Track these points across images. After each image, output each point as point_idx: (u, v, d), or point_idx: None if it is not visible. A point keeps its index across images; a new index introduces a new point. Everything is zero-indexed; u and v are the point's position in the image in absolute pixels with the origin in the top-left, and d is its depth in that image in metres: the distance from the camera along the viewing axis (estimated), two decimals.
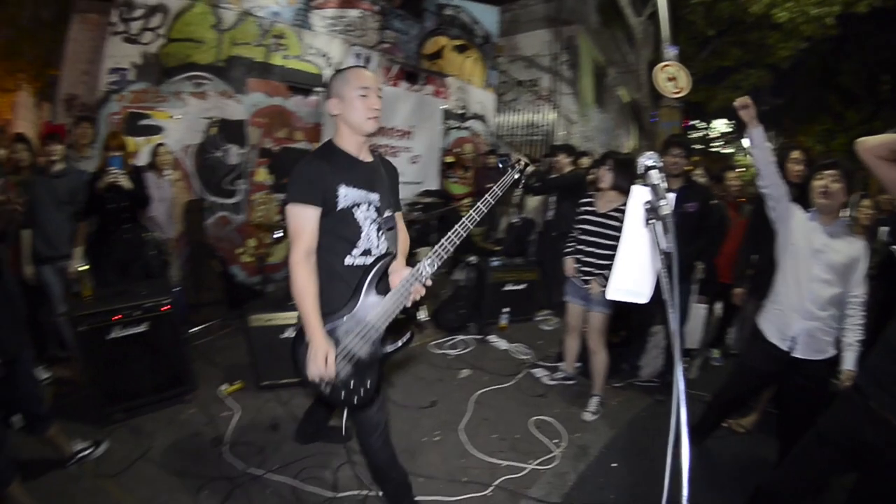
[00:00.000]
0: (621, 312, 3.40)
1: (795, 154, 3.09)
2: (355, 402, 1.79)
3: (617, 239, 2.53)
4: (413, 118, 6.70)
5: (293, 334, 1.81)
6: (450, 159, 7.16)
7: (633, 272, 1.34)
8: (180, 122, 4.67)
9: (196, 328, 4.33)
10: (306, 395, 3.12)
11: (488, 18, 7.98)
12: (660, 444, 2.57)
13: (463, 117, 7.73)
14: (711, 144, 22.77)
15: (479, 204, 1.83)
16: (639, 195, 1.22)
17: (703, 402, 3.14)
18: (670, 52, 6.00)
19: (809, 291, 2.21)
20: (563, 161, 4.68)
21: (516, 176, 2.02)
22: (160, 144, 4.09)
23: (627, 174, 2.96)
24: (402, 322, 1.88)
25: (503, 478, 2.55)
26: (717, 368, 4.11)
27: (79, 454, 2.50)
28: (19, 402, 2.16)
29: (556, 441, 2.89)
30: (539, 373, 3.78)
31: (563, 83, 10.39)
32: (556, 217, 4.69)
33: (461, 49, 7.67)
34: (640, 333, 3.78)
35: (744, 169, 5.24)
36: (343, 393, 1.76)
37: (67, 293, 3.31)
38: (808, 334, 2.22)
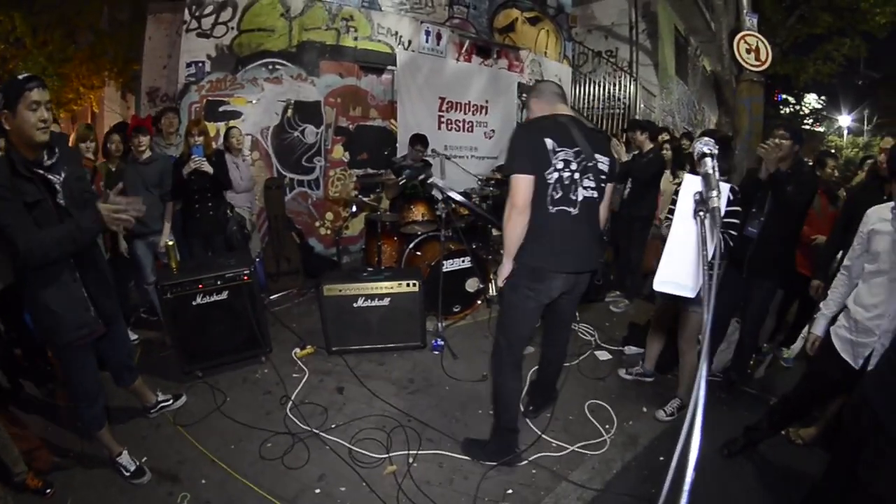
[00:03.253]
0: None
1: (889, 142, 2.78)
2: None
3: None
4: (487, 92, 6.70)
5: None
6: None
7: (680, 264, 1.26)
8: (257, 106, 5.01)
9: (275, 295, 4.75)
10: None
11: None
12: (714, 443, 2.69)
13: None
14: (803, 122, 20.58)
15: None
16: (690, 184, 1.17)
17: (764, 402, 3.05)
18: (750, 20, 5.42)
19: None
20: (640, 138, 4.47)
21: None
22: (232, 127, 4.41)
23: (723, 156, 2.63)
24: None
25: (545, 454, 2.59)
26: (786, 370, 3.71)
27: (160, 405, 2.87)
28: (112, 357, 2.49)
29: (607, 427, 2.85)
30: (602, 355, 3.72)
31: (643, 54, 9.76)
32: (630, 199, 4.54)
33: (534, 21, 7.48)
34: (717, 325, 3.54)
35: (835, 154, 4.67)
36: None
37: (157, 264, 3.71)
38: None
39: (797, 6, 9.91)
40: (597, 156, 2.19)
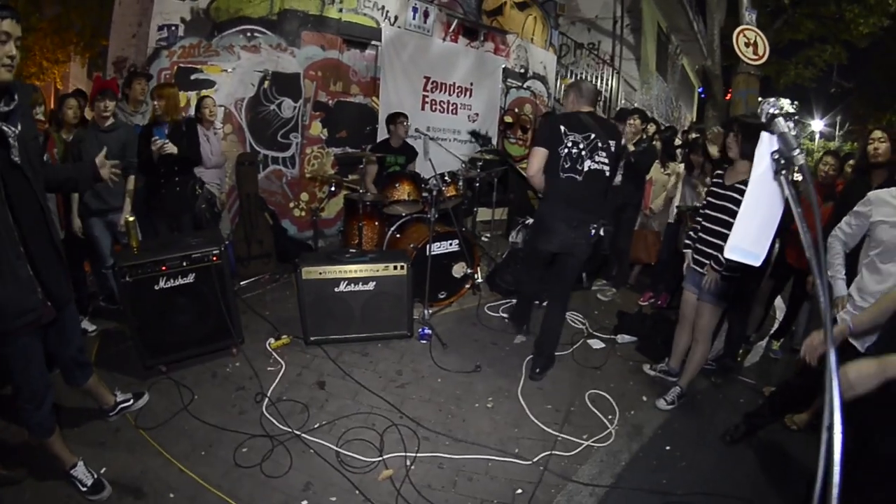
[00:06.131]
0: None
1: (878, 133, 2.75)
2: None
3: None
4: (472, 75, 6.52)
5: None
6: (509, 119, 6.96)
7: (754, 230, 1.17)
8: (232, 76, 4.59)
9: (245, 281, 4.39)
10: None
11: None
12: (714, 429, 2.78)
13: (524, 77, 7.40)
14: None
15: None
16: (765, 145, 1.08)
17: (754, 390, 3.22)
18: (749, 15, 5.50)
19: None
20: (638, 125, 4.41)
21: None
22: (204, 97, 4.02)
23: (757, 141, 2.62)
24: None
25: (551, 452, 2.44)
26: (775, 361, 3.74)
27: (119, 406, 2.49)
28: (62, 351, 2.10)
29: (610, 417, 2.76)
30: (595, 343, 3.67)
31: (625, 48, 9.74)
32: (622, 186, 4.41)
33: (522, 6, 7.26)
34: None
35: (836, 152, 4.81)
36: None
37: (116, 246, 3.30)
38: None
39: (783, 11, 10.19)
40: (610, 141, 2.92)
